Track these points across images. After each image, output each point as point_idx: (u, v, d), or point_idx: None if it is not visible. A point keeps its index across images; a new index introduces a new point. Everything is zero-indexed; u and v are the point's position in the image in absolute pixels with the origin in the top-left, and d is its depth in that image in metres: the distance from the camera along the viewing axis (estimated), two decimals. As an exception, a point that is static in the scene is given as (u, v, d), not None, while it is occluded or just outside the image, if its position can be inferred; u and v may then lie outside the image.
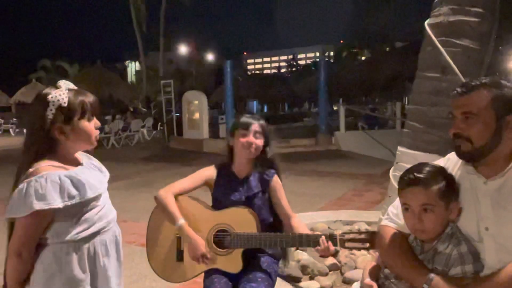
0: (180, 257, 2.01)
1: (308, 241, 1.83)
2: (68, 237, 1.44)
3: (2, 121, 23.38)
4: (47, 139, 1.46)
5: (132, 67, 60.14)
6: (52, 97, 1.43)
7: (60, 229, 1.44)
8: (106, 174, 1.67)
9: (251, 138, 1.97)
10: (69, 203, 1.40)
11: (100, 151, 13.32)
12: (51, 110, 1.43)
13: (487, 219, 1.32)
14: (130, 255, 3.96)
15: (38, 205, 1.35)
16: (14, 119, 23.89)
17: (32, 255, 1.44)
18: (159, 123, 17.60)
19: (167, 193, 2.01)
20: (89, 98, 1.51)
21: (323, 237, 1.77)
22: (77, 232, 1.45)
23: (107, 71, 20.88)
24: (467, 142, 1.31)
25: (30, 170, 1.41)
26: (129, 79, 51.40)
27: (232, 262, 1.91)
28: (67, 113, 1.44)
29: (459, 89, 1.36)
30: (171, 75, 21.40)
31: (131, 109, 23.42)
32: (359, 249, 1.79)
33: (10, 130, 22.23)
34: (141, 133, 16.71)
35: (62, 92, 1.45)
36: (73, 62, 37.32)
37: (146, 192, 6.44)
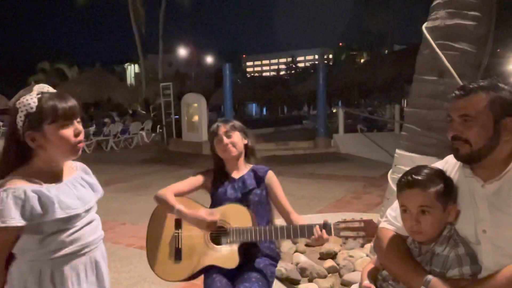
0: (178, 256, 2.03)
1: (303, 231, 1.84)
2: (32, 257, 1.35)
3: (1, 123, 23.36)
4: (20, 148, 1.36)
5: (131, 69, 60.14)
6: (19, 103, 1.34)
7: (25, 246, 1.35)
8: (99, 193, 1.56)
9: (224, 140, 2.08)
10: (32, 222, 1.30)
11: (99, 154, 13.33)
12: (20, 117, 1.34)
13: (485, 222, 1.32)
14: (129, 257, 3.96)
15: None
16: (13, 121, 23.86)
17: (2, 266, 1.36)
18: (158, 126, 17.60)
19: (166, 191, 2.08)
20: (65, 102, 1.36)
21: (317, 226, 1.80)
22: (42, 253, 1.35)
23: (106, 74, 20.90)
24: (465, 144, 1.32)
25: (1, 181, 1.32)
26: (128, 82, 51.36)
27: (229, 258, 1.92)
28: (36, 119, 1.33)
29: (457, 92, 1.36)
30: (170, 78, 21.39)
31: (130, 112, 23.43)
32: (354, 238, 1.81)
33: (9, 132, 22.20)
34: (140, 135, 16.70)
35: (30, 97, 1.35)
36: (72, 65, 37.27)
37: (145, 195, 6.43)
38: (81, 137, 1.42)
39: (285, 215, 2.09)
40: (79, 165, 1.58)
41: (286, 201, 2.11)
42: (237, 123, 2.18)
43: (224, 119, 2.27)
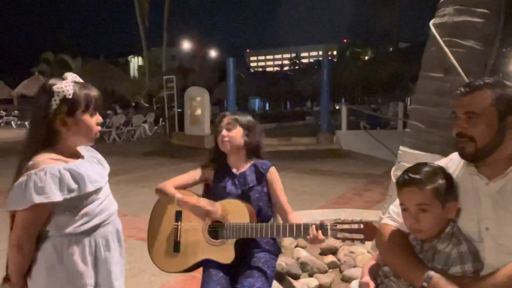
0: (177, 248, 2.05)
1: (298, 230, 1.82)
2: (69, 230, 1.44)
3: (4, 113, 23.43)
4: (49, 130, 1.44)
5: (135, 62, 60.09)
6: (57, 88, 1.42)
7: (61, 222, 1.43)
8: (106, 167, 1.66)
9: (223, 132, 2.07)
10: (68, 196, 1.40)
11: (102, 145, 13.34)
12: (55, 100, 1.42)
13: (488, 220, 1.32)
14: (129, 249, 3.95)
15: (37, 199, 1.34)
16: (16, 111, 23.96)
17: (33, 248, 1.43)
18: (161, 119, 17.62)
19: (166, 183, 2.10)
20: (94, 92, 1.49)
21: (314, 226, 1.77)
22: (77, 225, 1.45)
23: (109, 66, 20.90)
24: (470, 142, 1.31)
25: (30, 163, 1.40)
26: (131, 74, 51.32)
27: (225, 253, 1.93)
28: (71, 105, 1.43)
29: (462, 89, 1.36)
30: (174, 71, 21.35)
31: (133, 104, 23.43)
32: (352, 240, 1.74)
33: (12, 122, 22.29)
34: (143, 128, 16.72)
35: (68, 83, 1.45)
36: (76, 56, 37.26)
37: (146, 187, 6.45)
38: (99, 127, 1.55)
39: (283, 213, 2.06)
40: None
41: (285, 199, 2.08)
42: (244, 118, 2.13)
43: (233, 111, 2.22)
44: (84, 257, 1.47)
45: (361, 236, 1.71)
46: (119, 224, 1.66)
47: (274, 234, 1.89)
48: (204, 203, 1.96)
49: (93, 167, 1.55)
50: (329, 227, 1.76)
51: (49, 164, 1.39)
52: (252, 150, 2.13)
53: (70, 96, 1.42)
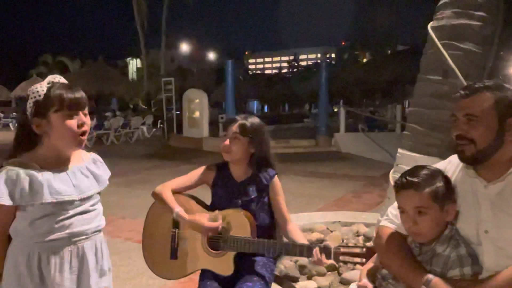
0: (174, 255, 2.01)
1: (302, 251, 1.81)
2: (23, 239, 1.42)
3: (2, 115, 23.37)
4: (29, 134, 1.43)
5: (133, 64, 60.06)
6: (30, 91, 1.42)
7: (17, 227, 1.42)
8: (103, 184, 1.59)
9: (226, 141, 1.97)
10: (20, 203, 1.37)
11: (99, 148, 13.33)
12: (29, 103, 1.40)
13: (487, 223, 1.32)
14: (127, 252, 3.96)
15: None
16: (14, 113, 23.89)
17: (3, 243, 1.45)
18: (159, 121, 17.60)
19: (164, 188, 2.03)
20: (72, 93, 1.41)
21: (317, 249, 1.75)
22: (31, 235, 1.40)
23: (108, 68, 20.87)
24: (470, 144, 1.31)
25: (4, 163, 1.40)
26: (130, 76, 51.29)
27: (224, 265, 1.89)
28: (41, 106, 1.39)
29: (462, 92, 1.36)
30: (172, 73, 21.35)
31: (131, 106, 23.41)
32: (354, 263, 1.77)
33: (10, 124, 22.22)
34: (141, 130, 16.70)
35: (41, 85, 1.42)
36: (75, 58, 37.24)
37: (144, 189, 6.42)
38: (85, 128, 1.45)
39: (282, 222, 2.04)
40: (92, 155, 1.62)
41: (285, 208, 2.04)
42: (253, 125, 1.97)
43: (244, 116, 2.02)
44: (32, 270, 1.40)
45: (363, 260, 1.72)
46: (92, 246, 1.52)
47: (277, 252, 1.88)
48: (205, 218, 1.90)
49: (72, 179, 1.46)
50: (332, 250, 1.75)
51: (12, 167, 1.37)
52: (257, 161, 2.02)
53: (40, 98, 1.39)
